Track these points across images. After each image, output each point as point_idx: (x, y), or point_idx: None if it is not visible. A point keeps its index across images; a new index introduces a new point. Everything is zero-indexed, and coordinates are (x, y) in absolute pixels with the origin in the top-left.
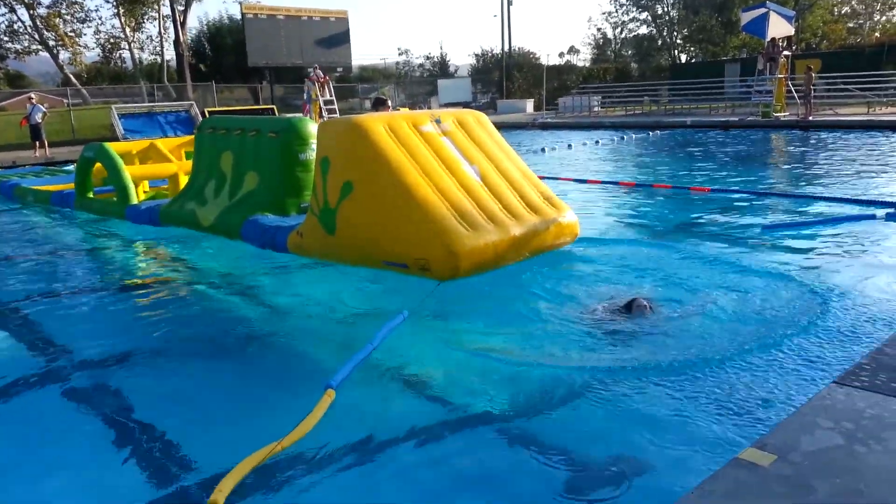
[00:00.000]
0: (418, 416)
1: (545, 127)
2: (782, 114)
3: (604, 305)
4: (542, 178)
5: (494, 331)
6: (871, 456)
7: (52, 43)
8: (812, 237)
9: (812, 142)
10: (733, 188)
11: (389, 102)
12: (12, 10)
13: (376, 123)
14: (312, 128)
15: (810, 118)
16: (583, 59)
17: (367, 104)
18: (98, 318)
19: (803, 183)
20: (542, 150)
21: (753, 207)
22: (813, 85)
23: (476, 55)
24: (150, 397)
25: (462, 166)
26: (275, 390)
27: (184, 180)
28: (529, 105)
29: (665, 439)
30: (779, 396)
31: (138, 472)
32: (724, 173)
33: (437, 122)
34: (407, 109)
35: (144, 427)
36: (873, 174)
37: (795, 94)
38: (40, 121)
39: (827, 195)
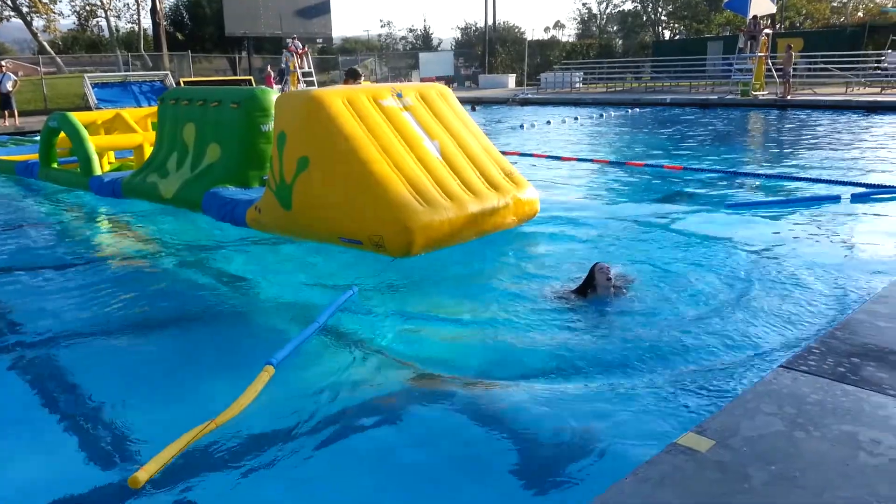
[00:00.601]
0: (365, 393)
1: (526, 103)
2: (761, 92)
3: (560, 285)
4: (516, 154)
5: (451, 308)
6: (810, 442)
7: (25, 10)
8: (775, 217)
9: (788, 121)
10: (705, 167)
11: (363, 78)
12: None
13: (334, 97)
14: (275, 99)
15: (788, 97)
16: (568, 34)
17: None
18: (51, 291)
19: (776, 162)
20: (522, 126)
21: (723, 186)
22: (793, 64)
23: (460, 29)
24: (92, 372)
25: (422, 142)
26: (222, 366)
27: (149, 151)
28: (511, 80)
29: (607, 424)
30: (726, 380)
31: (74, 447)
32: (700, 151)
33: (399, 96)
34: (369, 83)
35: (84, 402)
36: (845, 155)
37: (775, 73)
38: (11, 89)
39: (795, 175)
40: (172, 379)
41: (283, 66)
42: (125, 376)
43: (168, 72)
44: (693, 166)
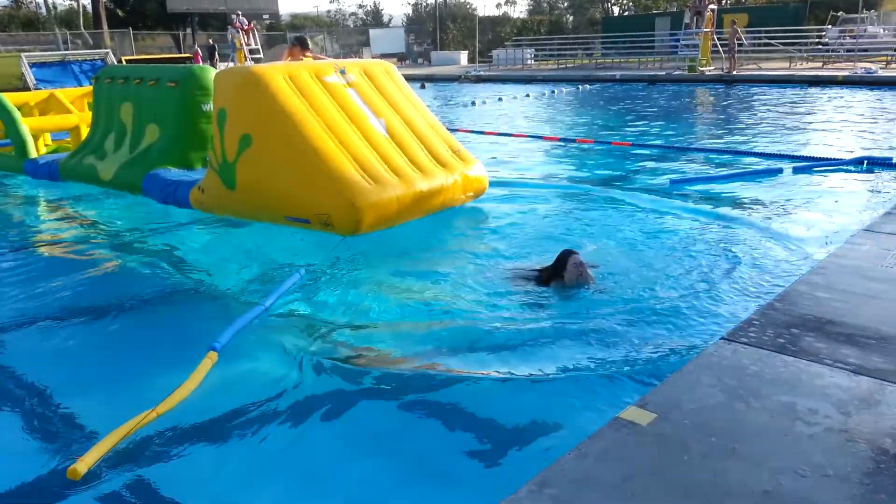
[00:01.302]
0: (312, 378)
1: (478, 80)
2: (707, 68)
3: (512, 265)
4: (467, 131)
5: (402, 289)
6: (749, 413)
7: None
8: (719, 191)
9: (734, 96)
10: (652, 143)
11: (310, 50)
12: None
13: (275, 73)
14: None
15: (734, 72)
16: (519, 10)
17: None
18: None
19: (721, 137)
20: (473, 103)
21: (669, 161)
22: (738, 40)
23: (410, 5)
24: (29, 359)
25: (367, 119)
26: (165, 352)
27: (86, 132)
28: (464, 57)
29: (554, 404)
30: (669, 354)
31: (11, 438)
32: (648, 127)
33: (342, 72)
34: (310, 59)
35: (21, 390)
36: (789, 129)
37: (720, 49)
38: None
39: (739, 149)
40: (113, 366)
41: (213, 43)
42: (63, 364)
43: (109, 50)
44: (641, 142)
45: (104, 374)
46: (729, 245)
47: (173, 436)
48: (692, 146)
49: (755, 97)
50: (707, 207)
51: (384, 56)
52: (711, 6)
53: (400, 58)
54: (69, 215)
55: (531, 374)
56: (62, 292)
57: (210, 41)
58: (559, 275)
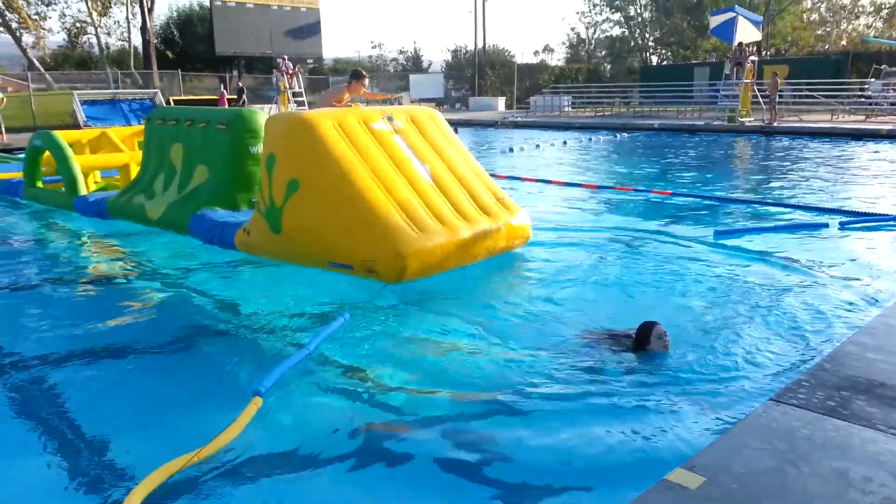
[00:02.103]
0: (354, 423)
1: (515, 126)
2: (748, 119)
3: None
4: (504, 177)
5: (445, 339)
6: (800, 478)
7: (14, 26)
8: (764, 244)
9: (775, 148)
10: (693, 192)
11: (367, 80)
12: None
13: (324, 119)
14: (264, 120)
15: (775, 124)
16: (557, 58)
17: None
18: (34, 313)
19: (763, 188)
20: (511, 149)
21: (711, 212)
22: (779, 91)
23: (450, 51)
24: (74, 398)
25: (413, 165)
26: (208, 393)
27: (135, 171)
28: (501, 103)
29: (599, 459)
30: (716, 414)
31: (53, 477)
32: (688, 177)
33: (389, 119)
34: (361, 106)
35: (65, 430)
36: (832, 182)
37: (761, 100)
38: None
39: (783, 202)
40: (158, 406)
41: (241, 85)
42: (108, 403)
43: (158, 90)
44: (681, 192)
45: (146, 413)
46: (774, 301)
47: (215, 479)
48: (735, 197)
49: (797, 149)
50: (752, 261)
51: (423, 101)
52: (752, 58)
53: (438, 103)
54: (116, 253)
55: (573, 435)
56: (106, 330)
57: (239, 83)
58: (642, 347)
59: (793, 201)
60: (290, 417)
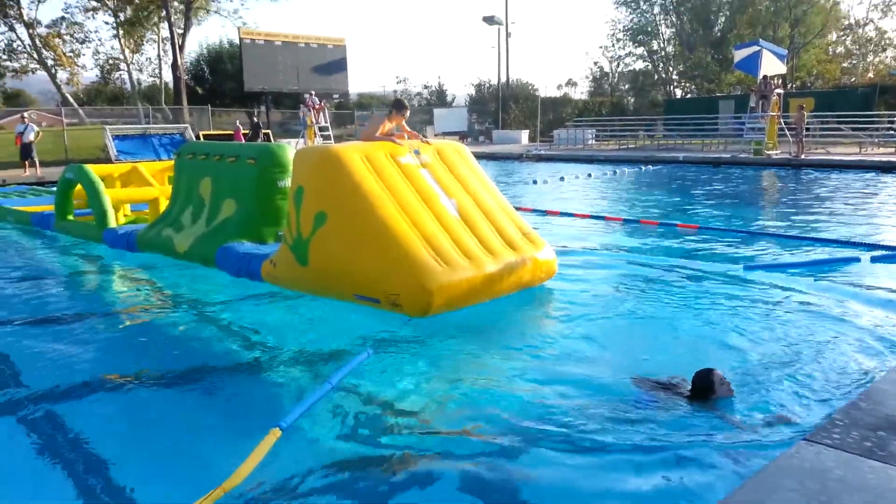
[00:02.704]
0: (376, 460)
1: (539, 158)
2: (774, 152)
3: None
4: (529, 210)
5: (471, 374)
6: None
7: (50, 62)
8: (794, 279)
9: (803, 181)
10: (720, 226)
11: (408, 111)
12: (11, 29)
13: (352, 153)
14: (292, 154)
15: (802, 157)
16: (580, 91)
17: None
18: (61, 344)
19: (791, 222)
20: (535, 181)
21: (739, 246)
22: (805, 123)
23: (473, 85)
24: (98, 430)
25: (439, 199)
26: (230, 427)
27: (165, 205)
28: (525, 136)
29: (632, 497)
30: (748, 453)
31: None
32: (715, 210)
33: (416, 153)
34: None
35: (88, 461)
36: (862, 215)
37: (787, 133)
38: (32, 140)
39: (813, 236)
40: (178, 439)
41: (256, 121)
42: (131, 435)
43: (188, 125)
44: (709, 225)
45: (168, 444)
46: (806, 336)
47: None
48: (763, 231)
49: (825, 182)
50: (782, 295)
51: (447, 134)
52: (778, 90)
53: (462, 136)
54: (144, 285)
55: (601, 467)
56: (131, 361)
57: (254, 118)
58: (706, 396)
59: (822, 235)
60: (312, 451)
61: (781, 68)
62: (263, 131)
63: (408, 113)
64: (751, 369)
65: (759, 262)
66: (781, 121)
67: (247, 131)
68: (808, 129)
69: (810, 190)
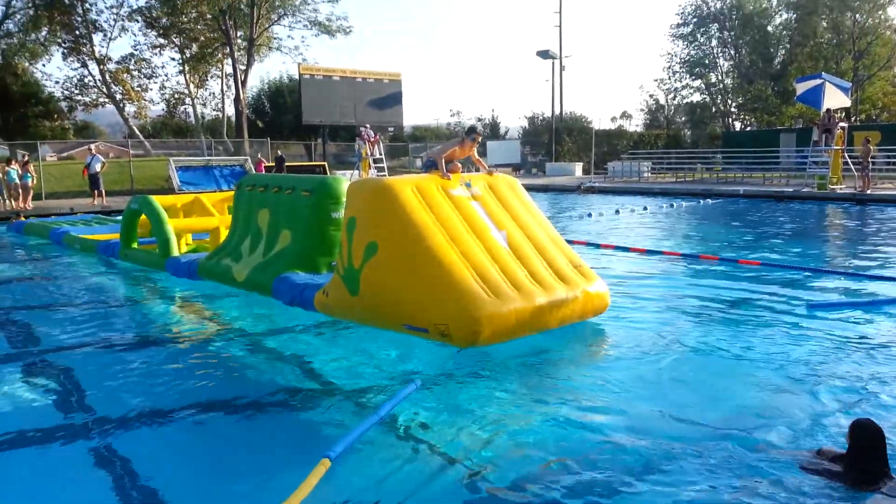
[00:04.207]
0: (423, 492)
1: (593, 191)
2: (839, 186)
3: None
4: (583, 243)
5: (520, 410)
6: None
7: (118, 97)
8: (861, 319)
9: (869, 216)
10: (783, 263)
11: (480, 137)
12: (84, 66)
13: (404, 185)
14: (346, 187)
15: (868, 191)
16: (635, 124)
17: (419, 163)
18: (121, 369)
19: (857, 259)
20: (589, 214)
21: (803, 283)
22: (871, 157)
23: (527, 118)
24: (151, 457)
25: (490, 231)
26: (279, 457)
27: (224, 234)
28: (578, 168)
29: None
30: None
31: None
32: (777, 246)
33: (468, 185)
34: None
35: (144, 488)
36: None
37: (852, 167)
38: (99, 170)
39: (881, 274)
40: (229, 468)
41: (280, 154)
42: (183, 463)
43: (248, 157)
44: (771, 262)
45: (219, 476)
46: (875, 380)
47: None
48: (828, 268)
49: (892, 218)
50: (849, 336)
51: (499, 166)
52: (842, 124)
53: (515, 168)
54: (202, 312)
55: None
56: (186, 388)
57: (279, 151)
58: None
59: (890, 273)
60: (359, 482)
61: (846, 101)
62: (303, 164)
63: (479, 139)
64: (811, 413)
65: (825, 301)
66: (846, 154)
67: (271, 164)
68: (874, 163)
69: (877, 226)
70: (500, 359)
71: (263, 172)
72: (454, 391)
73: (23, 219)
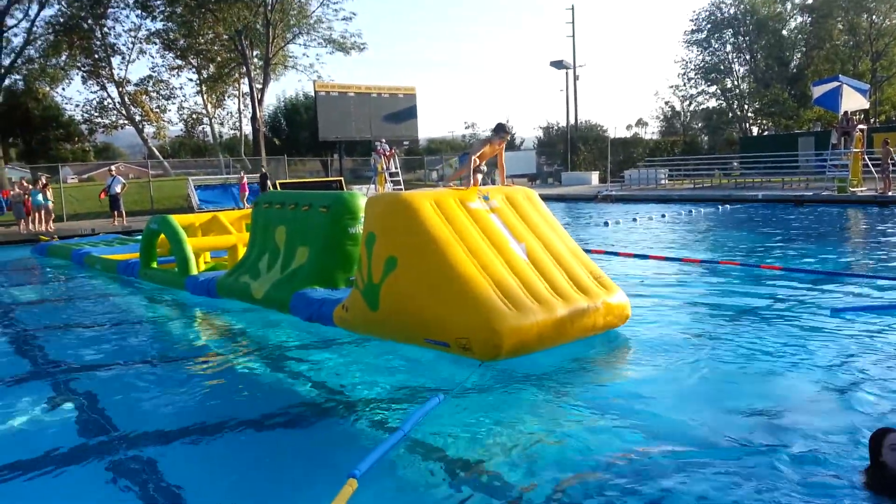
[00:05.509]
0: None
1: (611, 199)
2: (859, 189)
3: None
4: (601, 252)
5: (550, 427)
6: None
7: (138, 118)
8: (885, 323)
9: (891, 218)
10: (805, 267)
11: (508, 136)
12: (103, 88)
13: (422, 199)
14: (362, 202)
15: (889, 193)
16: (651, 131)
17: (434, 175)
18: (142, 387)
19: (880, 263)
20: (606, 223)
21: (825, 288)
22: (891, 159)
23: (542, 128)
24: (177, 474)
25: (509, 244)
26: (303, 474)
27: (242, 251)
28: (594, 177)
29: None
30: None
31: None
32: (798, 250)
33: (486, 198)
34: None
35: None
36: None
37: (873, 169)
38: (119, 192)
39: None
40: (253, 486)
41: (265, 171)
42: (208, 481)
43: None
44: (792, 266)
45: (241, 490)
46: (892, 386)
47: None
48: (850, 272)
49: None
50: (874, 342)
51: (515, 177)
52: (860, 126)
53: (531, 178)
54: (222, 330)
55: None
56: (208, 407)
57: (263, 169)
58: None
59: None
60: (383, 500)
61: (864, 103)
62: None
63: (508, 137)
64: (835, 419)
65: (848, 305)
66: (866, 157)
67: (255, 178)
68: (894, 165)
69: None
70: (523, 371)
71: (246, 192)
72: (478, 405)
73: (48, 240)
